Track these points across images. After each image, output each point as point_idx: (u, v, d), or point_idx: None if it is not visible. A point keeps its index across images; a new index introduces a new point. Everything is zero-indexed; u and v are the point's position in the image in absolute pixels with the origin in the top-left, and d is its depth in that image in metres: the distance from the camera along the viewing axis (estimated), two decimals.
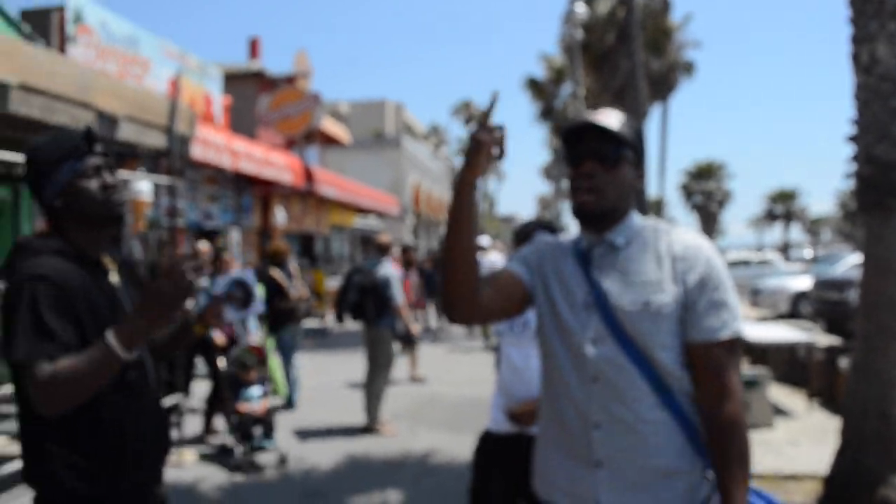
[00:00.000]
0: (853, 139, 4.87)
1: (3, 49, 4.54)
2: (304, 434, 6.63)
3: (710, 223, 46.54)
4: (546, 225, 3.09)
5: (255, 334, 6.63)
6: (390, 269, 6.91)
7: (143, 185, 7.43)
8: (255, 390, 5.77)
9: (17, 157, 4.57)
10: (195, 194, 12.03)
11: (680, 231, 1.80)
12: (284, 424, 6.78)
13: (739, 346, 1.71)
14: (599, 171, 1.73)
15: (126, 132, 5.74)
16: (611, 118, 1.76)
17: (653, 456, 1.68)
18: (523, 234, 3.02)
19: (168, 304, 1.72)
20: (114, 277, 2.00)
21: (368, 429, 6.71)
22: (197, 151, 10.12)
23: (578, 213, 1.77)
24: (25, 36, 8.31)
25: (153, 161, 7.50)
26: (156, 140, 6.19)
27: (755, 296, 17.36)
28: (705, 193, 47.32)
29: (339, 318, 7.32)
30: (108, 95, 5.55)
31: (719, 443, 1.65)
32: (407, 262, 10.82)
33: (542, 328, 1.86)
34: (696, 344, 1.68)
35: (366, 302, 6.75)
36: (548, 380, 1.86)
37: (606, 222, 1.77)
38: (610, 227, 1.77)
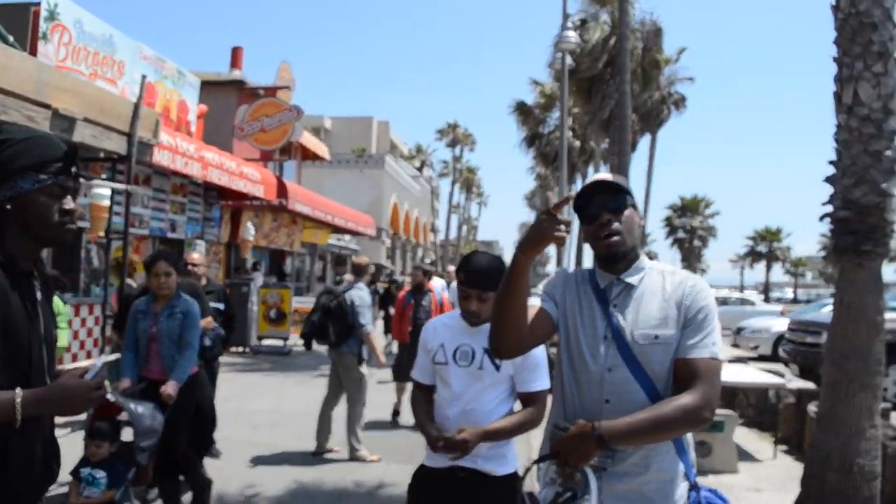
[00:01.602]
0: (831, 181, 4.75)
1: None
2: (255, 460, 6.33)
3: (691, 259, 46.54)
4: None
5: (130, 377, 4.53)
6: (360, 293, 6.64)
7: (102, 190, 7.18)
8: (99, 474, 3.89)
9: None
10: (161, 203, 11.74)
11: (681, 273, 2.15)
12: (235, 449, 6.49)
13: (719, 367, 2.01)
14: (614, 219, 2.07)
15: (83, 134, 5.49)
16: (609, 177, 2.16)
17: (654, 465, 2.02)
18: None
19: (70, 408, 1.79)
20: (39, 292, 1.94)
21: (318, 454, 6.51)
22: (165, 159, 9.89)
23: (608, 254, 2.10)
24: None
25: (114, 166, 7.25)
26: (115, 144, 5.94)
27: (737, 335, 17.27)
28: (688, 229, 47.42)
29: (305, 341, 7.01)
30: (66, 95, 5.30)
31: (662, 404, 1.92)
32: (418, 286, 8.39)
33: (561, 355, 2.16)
34: (681, 360, 2.00)
35: (328, 324, 6.51)
36: (563, 401, 2.15)
37: (625, 262, 2.11)
38: (626, 267, 2.11)
